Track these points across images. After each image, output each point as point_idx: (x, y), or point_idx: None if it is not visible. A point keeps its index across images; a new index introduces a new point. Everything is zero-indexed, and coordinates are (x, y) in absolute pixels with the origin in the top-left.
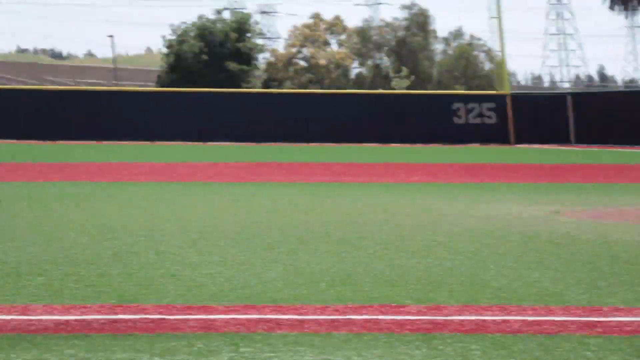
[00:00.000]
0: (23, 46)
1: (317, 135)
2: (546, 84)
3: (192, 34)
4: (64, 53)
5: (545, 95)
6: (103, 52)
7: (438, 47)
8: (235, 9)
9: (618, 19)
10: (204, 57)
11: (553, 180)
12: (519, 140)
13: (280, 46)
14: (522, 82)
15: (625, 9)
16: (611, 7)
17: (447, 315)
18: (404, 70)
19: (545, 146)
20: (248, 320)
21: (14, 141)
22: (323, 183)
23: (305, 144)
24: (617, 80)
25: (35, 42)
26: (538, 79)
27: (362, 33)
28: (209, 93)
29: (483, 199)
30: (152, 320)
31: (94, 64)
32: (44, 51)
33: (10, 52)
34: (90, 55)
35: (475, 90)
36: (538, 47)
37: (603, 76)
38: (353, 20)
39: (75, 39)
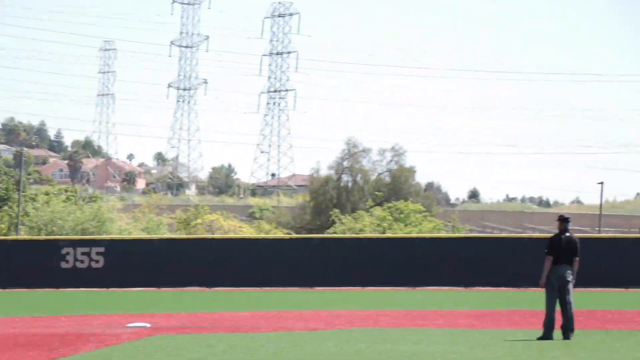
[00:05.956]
0: (512, 195)
1: None
2: None
3: None
4: (551, 201)
5: None
6: (592, 199)
7: None
8: None
9: None
10: None
11: None
12: None
13: None
14: None
15: None
16: None
17: None
18: None
19: None
20: None
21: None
22: None
23: None
24: None
25: (523, 191)
26: None
27: None
28: None
29: None
30: None
31: (581, 211)
32: (531, 199)
33: (498, 201)
34: (577, 202)
35: None
36: None
37: None
38: None
39: (565, 187)
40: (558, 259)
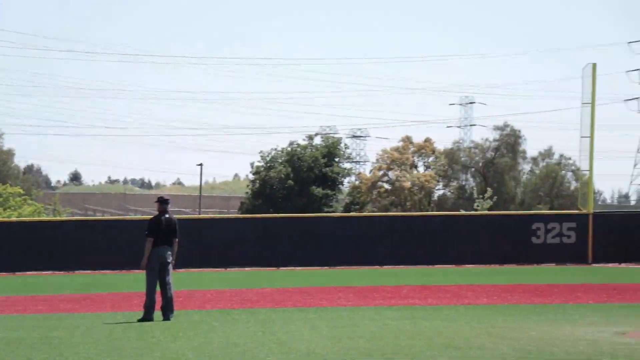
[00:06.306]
0: (114, 177)
1: (390, 258)
2: (633, 202)
3: (280, 160)
4: (153, 183)
5: (631, 213)
6: (193, 180)
7: (526, 167)
8: (327, 134)
9: None
10: (290, 182)
11: (625, 301)
12: (597, 260)
13: (367, 170)
14: (608, 201)
15: None
16: None
17: None
18: (488, 191)
19: (624, 265)
20: None
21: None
22: (411, 307)
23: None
24: None
25: (126, 173)
26: (625, 197)
27: (450, 155)
28: (285, 219)
29: (550, 320)
30: None
31: (182, 193)
32: (133, 181)
33: (100, 183)
34: (178, 184)
35: (557, 209)
36: (629, 165)
37: None
38: (445, 142)
39: (166, 169)
40: (158, 240)
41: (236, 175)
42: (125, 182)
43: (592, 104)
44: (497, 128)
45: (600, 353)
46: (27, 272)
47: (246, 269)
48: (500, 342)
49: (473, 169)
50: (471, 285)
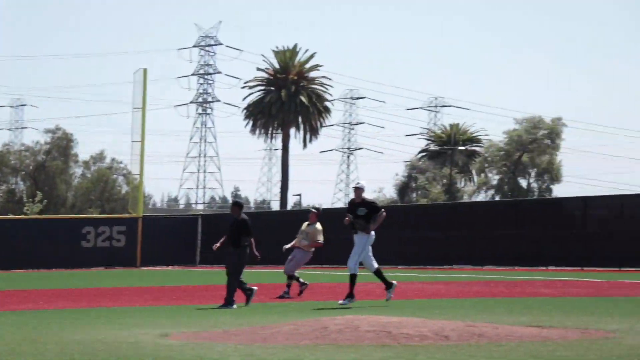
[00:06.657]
0: None
1: None
2: (182, 206)
3: None
4: None
5: (177, 217)
6: None
7: (78, 170)
8: None
9: (257, 143)
10: None
11: (170, 303)
12: (145, 263)
13: None
14: (159, 205)
15: (265, 133)
16: (252, 132)
17: None
18: (38, 195)
19: (171, 268)
20: None
21: None
22: None
23: None
24: (250, 202)
25: None
26: (174, 200)
27: (0, 158)
28: None
29: (93, 323)
30: None
31: None
32: None
33: None
34: None
35: (109, 213)
36: (178, 169)
37: (237, 197)
38: None
39: None
40: None
41: None
42: None
43: (143, 108)
44: (48, 131)
45: (143, 354)
46: None
47: None
48: (43, 348)
49: (23, 172)
50: (16, 290)
